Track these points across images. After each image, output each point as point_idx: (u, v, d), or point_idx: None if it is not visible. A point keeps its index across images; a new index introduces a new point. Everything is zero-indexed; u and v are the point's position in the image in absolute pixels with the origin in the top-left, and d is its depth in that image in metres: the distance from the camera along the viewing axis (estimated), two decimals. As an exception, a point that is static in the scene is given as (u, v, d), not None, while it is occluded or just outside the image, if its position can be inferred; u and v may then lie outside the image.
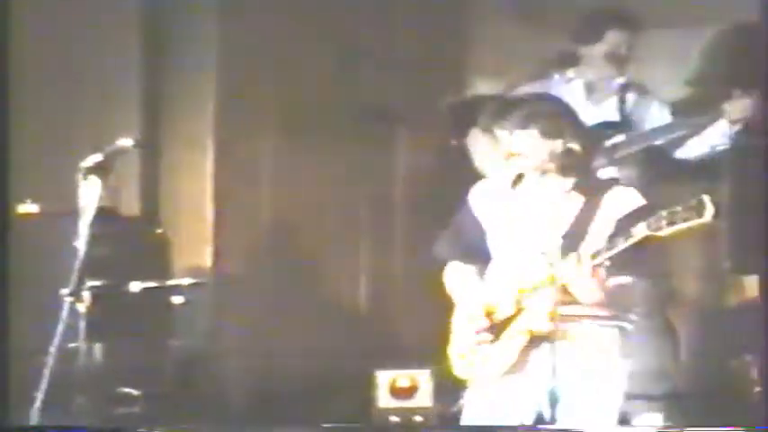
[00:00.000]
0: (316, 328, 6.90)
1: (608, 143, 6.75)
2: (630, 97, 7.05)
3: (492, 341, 5.28)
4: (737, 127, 6.66)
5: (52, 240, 5.63)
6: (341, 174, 7.14)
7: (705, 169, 7.05)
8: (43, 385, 4.87)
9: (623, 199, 5.28)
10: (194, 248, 6.69)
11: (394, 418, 6.97)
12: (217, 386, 6.51)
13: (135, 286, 5.92)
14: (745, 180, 7.38)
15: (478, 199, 5.59)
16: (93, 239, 5.05)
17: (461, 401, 5.42)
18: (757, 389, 6.75)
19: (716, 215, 4.70)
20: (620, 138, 6.81)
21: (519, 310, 5.29)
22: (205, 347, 6.52)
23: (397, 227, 7.66)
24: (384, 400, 6.93)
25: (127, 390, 6.05)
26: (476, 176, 6.88)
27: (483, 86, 7.93)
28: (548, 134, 5.31)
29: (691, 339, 7.51)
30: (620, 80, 7.03)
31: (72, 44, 6.73)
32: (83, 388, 5.19)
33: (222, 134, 7.08)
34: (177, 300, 6.26)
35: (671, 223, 4.87)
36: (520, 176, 5.44)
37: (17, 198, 6.16)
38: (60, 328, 4.92)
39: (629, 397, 6.76)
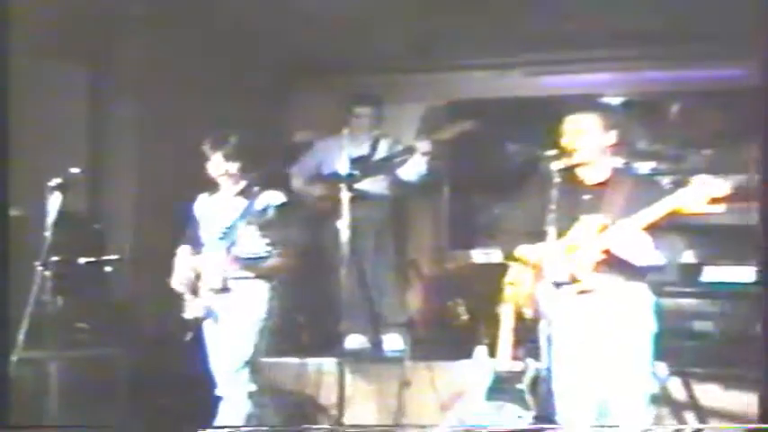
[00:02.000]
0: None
1: (362, 167, 6.66)
2: (379, 142, 7.14)
3: (195, 296, 5.45)
4: (426, 158, 6.90)
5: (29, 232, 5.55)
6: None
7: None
8: (26, 324, 4.90)
9: (267, 199, 5.38)
10: (120, 238, 6.65)
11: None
12: (134, 322, 6.50)
13: (82, 260, 5.90)
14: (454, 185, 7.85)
15: (197, 203, 5.72)
16: (56, 230, 5.07)
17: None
18: (463, 318, 7.03)
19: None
20: (368, 165, 6.91)
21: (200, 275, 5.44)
22: (126, 299, 6.53)
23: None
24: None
25: (79, 324, 6.08)
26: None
27: (300, 136, 7.98)
28: (228, 157, 5.48)
29: (425, 291, 7.77)
30: (374, 133, 7.15)
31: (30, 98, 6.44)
32: (52, 322, 5.19)
33: (144, 164, 6.94)
34: (108, 269, 6.23)
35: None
36: (216, 185, 5.61)
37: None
38: (35, 287, 5.00)
39: (383, 325, 7.07)
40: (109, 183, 6.92)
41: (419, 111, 7.99)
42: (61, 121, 6.62)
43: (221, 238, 5.44)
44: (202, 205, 5.74)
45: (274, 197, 5.46)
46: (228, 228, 5.43)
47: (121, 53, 6.94)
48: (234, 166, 5.55)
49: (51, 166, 5.40)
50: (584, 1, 6.27)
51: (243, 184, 5.59)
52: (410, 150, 6.98)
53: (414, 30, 7.04)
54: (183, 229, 5.76)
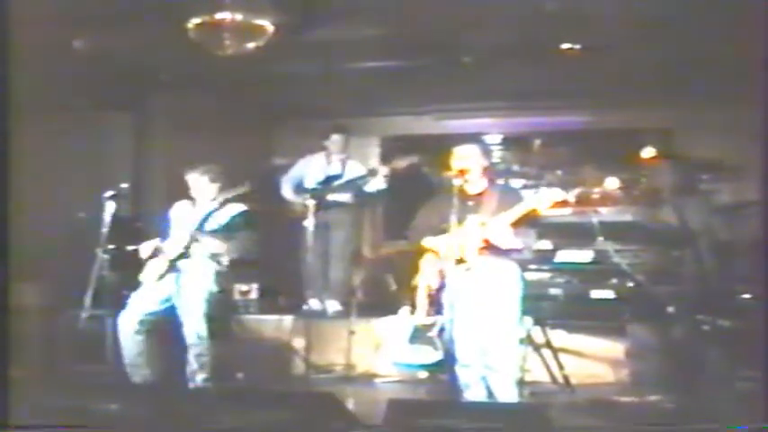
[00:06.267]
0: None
1: (335, 183, 6.74)
2: (347, 164, 6.95)
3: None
4: (386, 177, 6.70)
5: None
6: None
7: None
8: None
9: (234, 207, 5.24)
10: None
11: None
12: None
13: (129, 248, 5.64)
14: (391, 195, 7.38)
15: (174, 208, 5.45)
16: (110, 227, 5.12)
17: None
18: (393, 287, 6.75)
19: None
20: (340, 181, 6.82)
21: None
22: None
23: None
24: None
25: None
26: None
27: (280, 160, 7.76)
28: (213, 180, 5.26)
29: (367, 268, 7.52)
30: (341, 156, 6.96)
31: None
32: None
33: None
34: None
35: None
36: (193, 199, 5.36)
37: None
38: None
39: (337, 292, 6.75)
40: (146, 194, 6.79)
41: (362, 143, 7.87)
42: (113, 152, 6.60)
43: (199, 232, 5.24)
44: (181, 210, 5.47)
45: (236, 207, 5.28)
46: (200, 224, 5.22)
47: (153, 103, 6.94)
48: (213, 186, 5.32)
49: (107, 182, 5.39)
50: (472, 71, 6.28)
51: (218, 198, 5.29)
52: (374, 172, 6.86)
53: (361, 88, 6.95)
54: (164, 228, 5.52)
